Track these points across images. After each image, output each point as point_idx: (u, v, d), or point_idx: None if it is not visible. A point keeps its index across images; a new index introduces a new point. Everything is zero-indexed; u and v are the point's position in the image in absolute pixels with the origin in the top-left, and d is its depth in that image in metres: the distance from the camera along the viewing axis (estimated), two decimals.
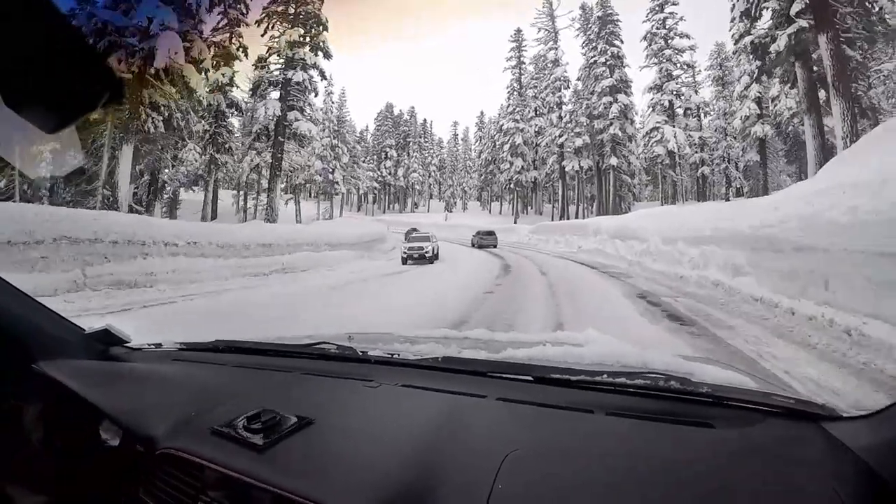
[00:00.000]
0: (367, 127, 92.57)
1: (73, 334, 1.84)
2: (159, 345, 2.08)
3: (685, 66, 52.93)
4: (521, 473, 1.01)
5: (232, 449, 1.21)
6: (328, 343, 1.89)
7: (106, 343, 1.94)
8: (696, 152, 51.69)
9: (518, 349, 1.72)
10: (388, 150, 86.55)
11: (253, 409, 1.32)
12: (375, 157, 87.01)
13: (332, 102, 72.61)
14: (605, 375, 1.37)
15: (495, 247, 35.33)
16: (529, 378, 1.45)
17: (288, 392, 1.59)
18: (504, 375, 1.50)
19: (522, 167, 64.33)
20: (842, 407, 1.18)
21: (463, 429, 1.23)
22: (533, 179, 65.26)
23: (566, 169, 57.53)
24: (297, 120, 37.04)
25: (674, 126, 50.09)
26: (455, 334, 2.29)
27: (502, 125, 68.17)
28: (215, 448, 1.24)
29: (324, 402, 1.47)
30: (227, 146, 43.85)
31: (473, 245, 36.95)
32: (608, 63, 53.95)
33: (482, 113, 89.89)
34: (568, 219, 53.55)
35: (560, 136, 58.42)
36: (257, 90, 36.48)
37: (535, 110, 64.74)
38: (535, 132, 64.14)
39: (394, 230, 43.49)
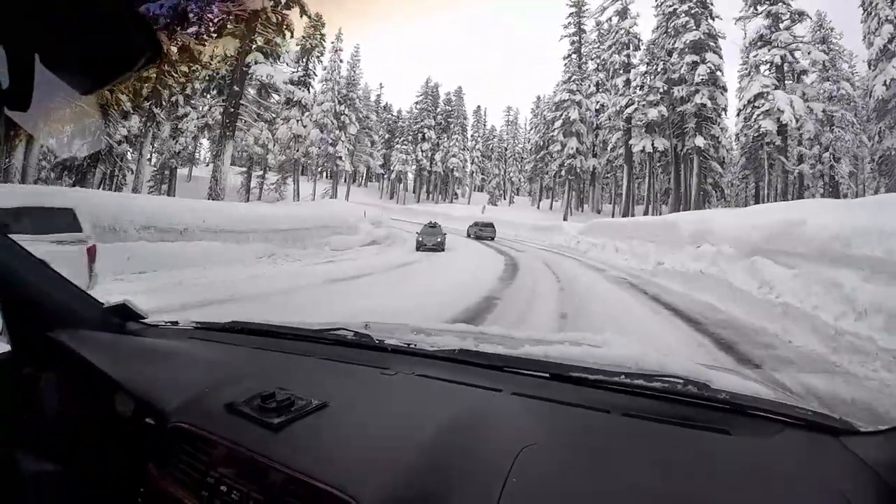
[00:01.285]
0: (411, 109, 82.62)
1: (91, 307, 1.88)
2: (175, 322, 2.12)
3: (796, 16, 38.70)
4: (535, 468, 1.02)
5: (245, 426, 1.23)
6: (345, 329, 1.89)
7: (123, 318, 1.98)
8: (826, 128, 37.82)
9: (535, 346, 1.69)
10: (425, 130, 76.46)
11: (267, 389, 1.32)
12: (411, 137, 76.94)
13: (339, 60, 59.35)
14: (622, 376, 1.38)
15: (492, 239, 33.79)
16: (546, 374, 1.46)
17: (303, 375, 1.59)
18: (520, 371, 1.51)
19: (577, 150, 53.54)
20: (859, 422, 1.18)
21: (478, 421, 1.24)
22: (591, 168, 54.77)
23: (634, 150, 45.46)
24: (257, 63, 27.42)
25: (788, 92, 36.44)
26: (472, 329, 2.29)
27: (556, 98, 57.39)
28: (228, 425, 1.26)
29: (339, 386, 1.48)
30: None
31: (469, 235, 35.12)
32: (692, 11, 41.79)
33: (539, 98, 76.28)
34: (632, 216, 40.83)
35: (627, 106, 46.11)
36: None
37: (597, 84, 54.12)
38: (596, 110, 53.59)
39: (402, 219, 42.25)
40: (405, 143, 75.46)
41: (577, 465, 1.05)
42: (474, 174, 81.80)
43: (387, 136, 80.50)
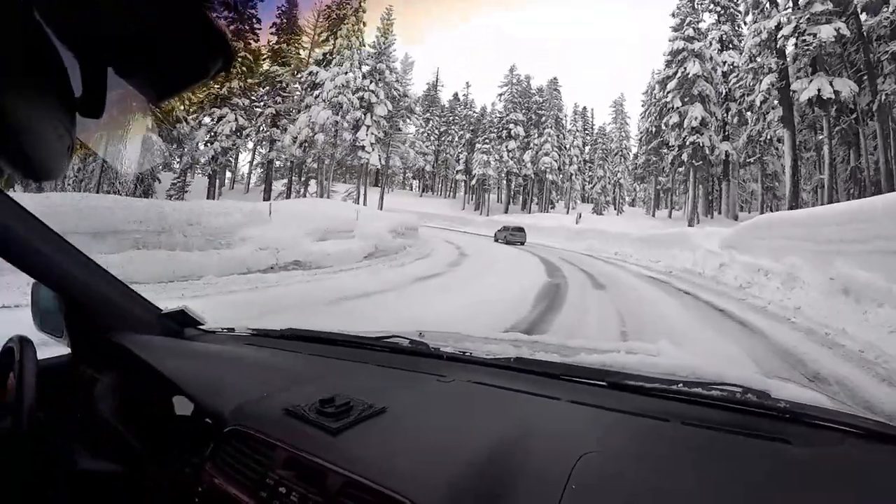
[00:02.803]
0: (494, 104, 72.14)
1: (150, 312, 1.98)
2: (232, 329, 2.20)
3: None
4: (594, 476, 1.03)
5: (304, 430, 1.25)
6: (400, 337, 1.94)
7: (181, 324, 2.09)
8: None
9: (591, 355, 1.74)
10: (511, 126, 65.23)
11: (325, 394, 1.35)
12: (495, 135, 65.73)
13: (362, 24, 44.65)
14: (680, 385, 1.39)
15: (522, 244, 33.46)
16: (603, 383, 1.48)
17: (360, 381, 1.61)
18: (577, 379, 1.53)
19: (702, 122, 40.49)
20: None
21: (536, 428, 1.25)
22: (723, 155, 41.92)
23: (799, 100, 30.13)
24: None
25: None
26: (526, 338, 2.28)
27: (667, 52, 44.55)
28: (287, 428, 1.28)
29: (396, 393, 1.49)
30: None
31: (497, 240, 35.57)
32: None
33: (652, 75, 60.09)
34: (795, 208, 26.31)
35: (779, 28, 31.56)
36: None
37: (721, 40, 42.56)
38: (724, 73, 41.64)
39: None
40: (487, 141, 64.61)
41: (637, 473, 1.04)
42: (574, 177, 69.74)
43: (468, 136, 70.47)
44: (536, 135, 65.46)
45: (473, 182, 65.91)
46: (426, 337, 1.99)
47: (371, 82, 43.88)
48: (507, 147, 64.10)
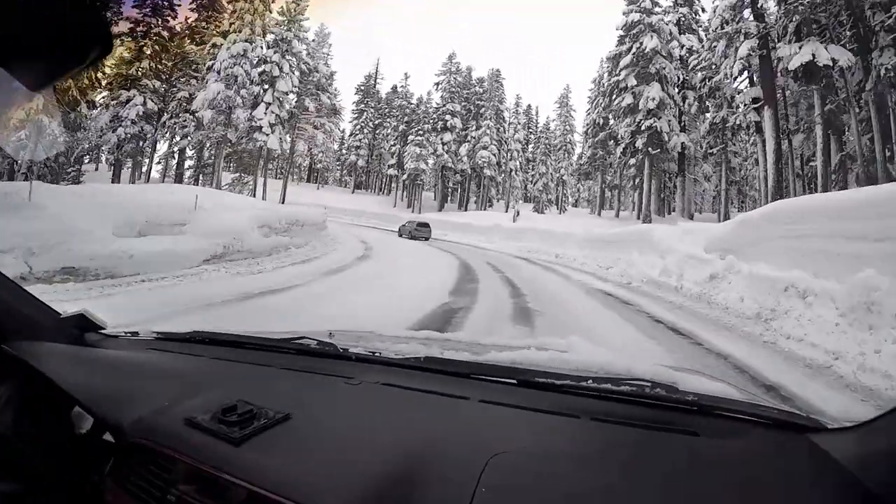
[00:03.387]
0: (430, 93, 67.32)
1: (47, 317, 1.85)
2: (136, 333, 2.09)
3: None
4: (505, 476, 1.03)
5: (206, 441, 1.21)
6: (309, 338, 1.89)
7: (81, 328, 1.96)
8: None
9: (501, 352, 1.75)
10: (448, 117, 60.31)
11: (229, 401, 1.31)
12: (429, 126, 60.42)
13: None
14: (590, 381, 1.40)
15: (427, 239, 32.82)
16: (514, 381, 1.48)
17: (266, 386, 1.59)
18: (487, 378, 1.53)
19: (661, 103, 36.27)
20: (828, 419, 1.23)
21: (446, 429, 1.26)
22: (680, 147, 37.66)
23: (788, 68, 24.95)
24: None
25: None
26: (437, 336, 2.28)
27: (621, 26, 40.39)
28: (189, 440, 1.23)
29: (303, 397, 1.49)
30: None
31: (401, 235, 34.50)
32: None
33: (601, 62, 56.31)
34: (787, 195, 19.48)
35: None
36: None
37: (679, 24, 39.09)
38: (681, 58, 38.04)
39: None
40: (421, 133, 59.44)
41: (548, 471, 1.05)
42: (515, 174, 65.32)
43: (402, 127, 64.98)
44: (474, 127, 60.90)
45: (405, 177, 60.88)
46: (336, 337, 1.96)
47: (275, 52, 38.22)
48: (442, 140, 59.34)
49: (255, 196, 35.97)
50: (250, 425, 1.22)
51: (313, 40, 56.61)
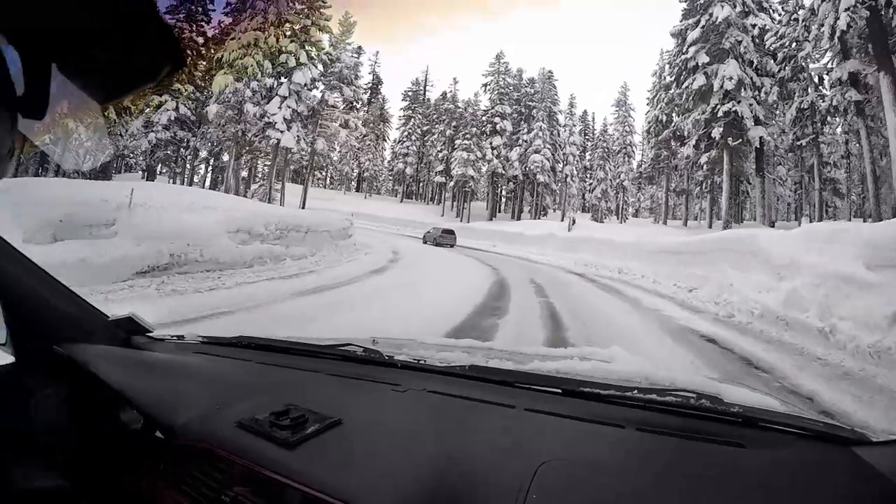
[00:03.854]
0: (477, 95, 63.34)
1: (97, 320, 1.88)
2: (182, 337, 2.15)
3: None
4: (554, 484, 1.04)
5: (259, 444, 1.25)
6: (354, 345, 1.92)
7: (128, 331, 1.99)
8: None
9: (545, 362, 1.77)
10: (497, 120, 56.39)
11: (279, 405, 1.34)
12: (476, 130, 56.48)
13: None
14: (635, 391, 1.40)
15: (452, 246, 32.33)
16: (558, 391, 1.48)
17: (313, 391, 1.62)
18: (532, 387, 1.53)
19: (739, 83, 31.21)
20: (873, 433, 1.22)
21: (493, 437, 1.26)
22: (758, 142, 32.58)
23: None
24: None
25: None
26: (480, 344, 2.37)
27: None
28: (241, 442, 1.27)
29: (350, 403, 1.50)
30: None
31: (425, 241, 34.14)
32: None
33: (662, 67, 50.07)
34: None
35: None
36: None
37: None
38: (754, 39, 32.72)
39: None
40: (468, 136, 55.65)
41: (596, 481, 1.06)
42: (570, 180, 60.62)
43: (449, 132, 61.37)
44: (526, 130, 56.93)
45: (452, 185, 57.38)
46: (380, 344, 1.96)
47: (291, 41, 34.62)
48: (491, 144, 55.51)
49: (271, 202, 32.78)
50: (302, 430, 1.25)
51: (338, 31, 53.17)
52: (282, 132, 32.85)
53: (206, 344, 2.09)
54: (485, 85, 61.13)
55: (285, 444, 1.20)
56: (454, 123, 61.16)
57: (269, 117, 32.44)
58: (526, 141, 56.14)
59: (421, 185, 75.46)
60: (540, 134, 55.59)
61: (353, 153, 67.66)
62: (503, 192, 62.10)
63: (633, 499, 1.00)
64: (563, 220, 48.07)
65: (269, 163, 38.71)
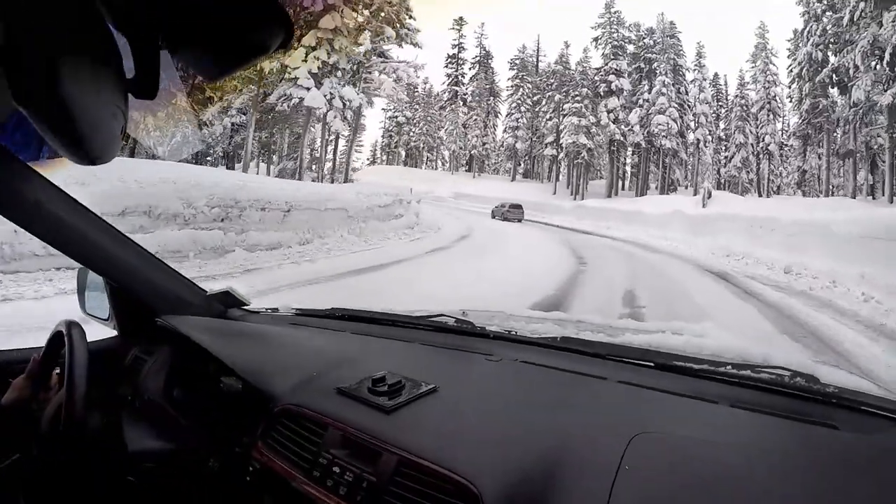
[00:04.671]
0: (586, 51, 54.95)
1: (196, 294, 2.05)
2: (276, 309, 2.26)
3: None
4: (647, 456, 1.04)
5: (358, 409, 1.29)
6: (446, 316, 1.94)
7: (226, 304, 2.14)
8: None
9: (637, 335, 1.74)
10: (612, 78, 48.26)
11: (375, 373, 1.37)
12: (588, 91, 48.88)
13: None
14: (729, 367, 1.40)
15: (520, 221, 32.07)
16: (651, 364, 1.49)
17: (408, 360, 1.65)
18: (624, 359, 1.54)
19: None
20: None
21: (587, 408, 1.29)
22: None
23: None
24: None
25: None
26: (570, 317, 2.29)
27: None
28: (340, 407, 1.31)
29: (445, 371, 1.53)
30: None
31: (493, 216, 33.73)
32: None
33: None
34: None
35: None
36: None
37: None
38: None
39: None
40: (578, 98, 48.13)
41: (687, 455, 1.06)
42: (702, 146, 50.81)
43: (558, 97, 53.28)
44: (646, 88, 48.55)
45: (562, 156, 50.12)
46: (470, 316, 1.97)
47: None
48: (606, 106, 47.55)
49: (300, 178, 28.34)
50: (399, 396, 1.28)
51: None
52: (307, 89, 26.76)
53: (300, 315, 2.21)
54: (595, 39, 52.67)
55: (382, 410, 1.24)
56: (564, 88, 53.30)
57: (290, 71, 26.40)
58: (647, 101, 47.82)
59: (535, 162, 68.05)
60: (664, 91, 46.93)
61: (460, 130, 63.59)
62: (624, 165, 54.52)
63: (726, 475, 0.98)
64: (695, 194, 39.61)
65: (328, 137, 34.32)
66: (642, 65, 50.34)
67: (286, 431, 1.34)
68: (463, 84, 67.41)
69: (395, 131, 71.56)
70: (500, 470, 1.03)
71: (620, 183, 53.41)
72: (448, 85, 67.61)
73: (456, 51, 67.82)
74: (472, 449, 1.11)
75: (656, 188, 50.57)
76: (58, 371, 1.53)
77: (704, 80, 51.81)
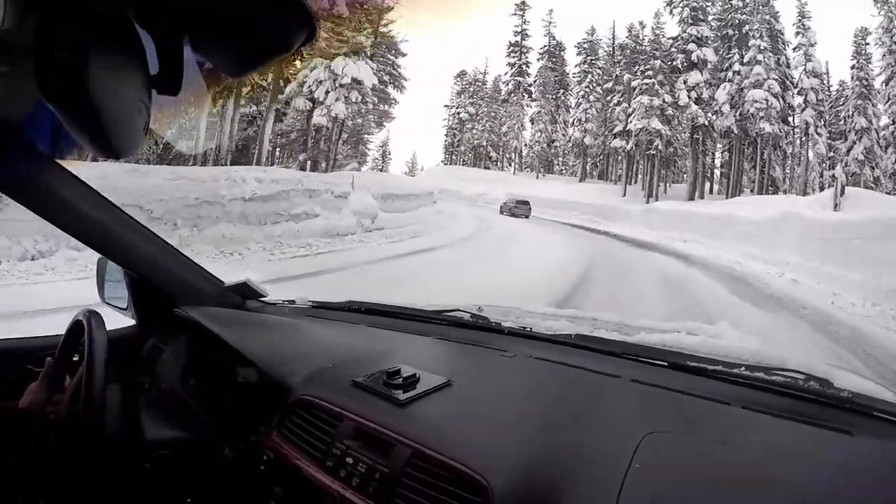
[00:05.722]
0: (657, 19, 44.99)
1: (214, 285, 2.09)
2: (293, 301, 2.29)
3: None
4: (658, 455, 1.05)
5: (372, 402, 1.32)
6: (461, 311, 1.97)
7: (243, 296, 2.18)
8: None
9: (651, 334, 1.73)
10: (692, 48, 38.11)
11: (390, 366, 1.40)
12: (662, 65, 39.18)
13: None
14: (742, 368, 1.40)
15: (527, 217, 32.40)
16: (664, 363, 1.50)
17: (423, 354, 1.68)
18: (638, 358, 1.55)
19: None
20: None
21: (599, 405, 1.31)
22: None
23: None
24: None
25: None
26: (584, 314, 2.28)
27: None
28: (355, 399, 1.34)
29: (459, 366, 1.58)
30: None
31: (502, 212, 34.25)
32: None
33: None
34: None
35: None
36: None
37: None
38: None
39: None
40: (650, 74, 38.68)
41: (699, 455, 1.08)
42: (815, 132, 37.77)
43: (626, 76, 43.67)
44: (737, 58, 37.90)
45: (631, 145, 40.40)
46: (485, 311, 1.99)
47: None
48: (686, 82, 37.67)
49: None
50: (413, 389, 1.31)
51: None
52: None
53: (317, 308, 2.24)
54: (669, 3, 41.63)
55: (396, 403, 1.27)
56: (635, 67, 43.17)
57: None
58: (738, 73, 37.26)
59: (609, 160, 58.13)
60: (759, 58, 35.96)
61: (523, 125, 57.36)
62: (711, 159, 43.26)
63: (737, 476, 0.99)
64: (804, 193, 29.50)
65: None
66: (730, 31, 39.24)
67: (300, 422, 1.36)
68: (528, 75, 59.71)
69: (458, 129, 64.21)
70: (512, 465, 1.04)
71: (707, 185, 43.01)
72: (511, 76, 59.99)
73: (518, 38, 59.90)
74: (484, 443, 1.12)
75: (751, 191, 38.93)
76: (76, 358, 1.55)
77: (811, 45, 38.98)
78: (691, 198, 37.88)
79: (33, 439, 1.41)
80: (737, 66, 37.51)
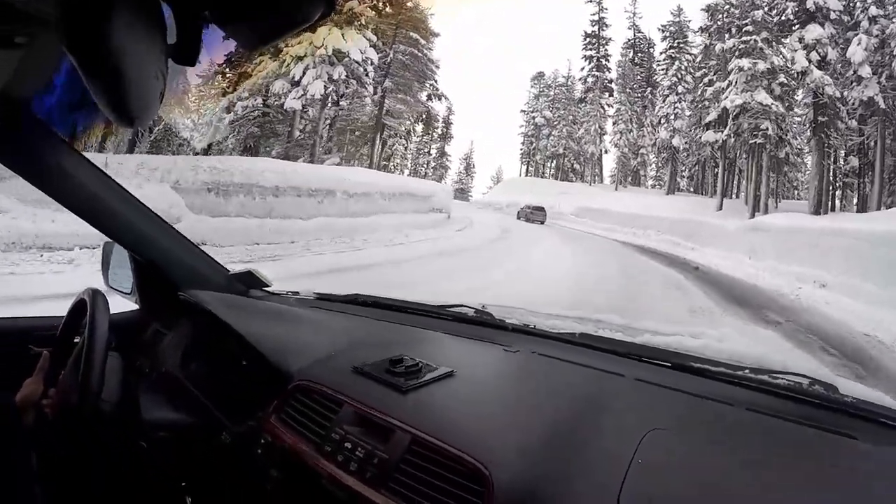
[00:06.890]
0: None
1: (219, 273, 2.10)
2: (297, 292, 2.29)
3: None
4: (660, 452, 1.06)
5: (374, 388, 1.32)
6: (466, 306, 1.98)
7: (247, 285, 2.18)
8: None
9: (655, 336, 1.74)
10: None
11: (393, 355, 1.40)
12: (765, 20, 28.64)
13: None
14: (746, 371, 1.41)
15: (542, 222, 32.30)
16: (668, 364, 1.50)
17: (426, 345, 1.67)
18: (642, 358, 1.55)
19: None
20: None
21: (602, 402, 1.30)
22: None
23: None
24: None
25: None
26: (589, 315, 2.29)
27: None
28: (356, 385, 1.35)
29: (463, 358, 1.56)
30: None
31: (518, 217, 34.53)
32: None
33: None
34: None
35: None
36: None
37: None
38: None
39: None
40: (748, 31, 28.40)
41: (701, 454, 1.08)
42: None
43: (719, 46, 32.82)
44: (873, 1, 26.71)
45: (727, 134, 29.90)
46: (489, 309, 1.98)
47: None
48: (802, 41, 27.08)
49: None
50: (416, 377, 1.32)
51: None
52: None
53: (321, 300, 2.23)
54: None
55: (398, 390, 1.27)
56: (729, 34, 32.37)
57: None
58: (876, 20, 26.05)
59: (704, 168, 47.24)
60: None
61: (598, 127, 48.32)
62: (843, 150, 31.17)
63: (738, 476, 0.99)
64: None
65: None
66: None
67: (300, 407, 1.36)
68: (607, 70, 51.22)
69: (534, 135, 56.33)
70: (513, 456, 1.05)
71: (841, 194, 31.95)
72: (588, 71, 51.35)
73: (595, 28, 51.11)
74: (485, 433, 1.13)
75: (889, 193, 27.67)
76: (77, 339, 1.53)
77: None
78: (816, 211, 26.93)
79: (31, 435, 1.37)
80: (874, 10, 26.10)
